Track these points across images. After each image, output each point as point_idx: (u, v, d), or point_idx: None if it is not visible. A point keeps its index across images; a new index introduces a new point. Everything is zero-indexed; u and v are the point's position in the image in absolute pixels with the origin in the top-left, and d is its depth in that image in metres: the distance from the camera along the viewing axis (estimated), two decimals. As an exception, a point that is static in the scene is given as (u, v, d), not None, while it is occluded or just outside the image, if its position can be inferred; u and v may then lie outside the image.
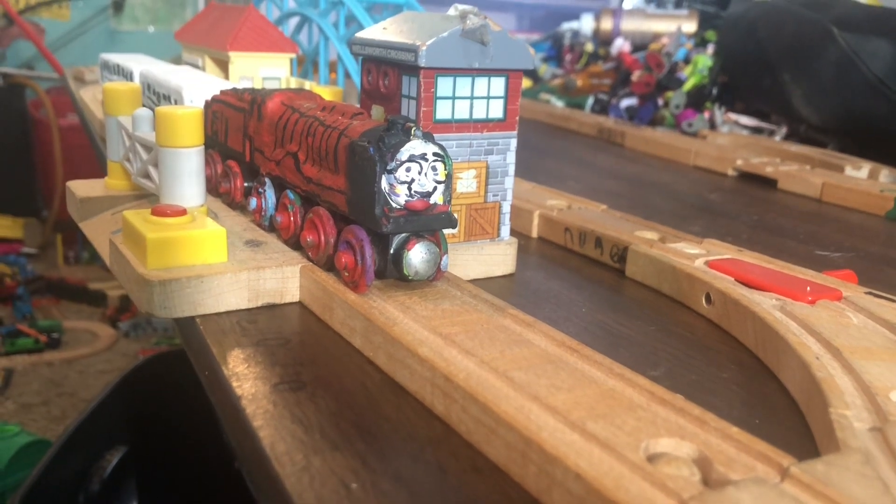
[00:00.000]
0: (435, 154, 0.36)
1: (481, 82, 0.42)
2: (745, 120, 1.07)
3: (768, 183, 0.80)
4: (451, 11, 0.42)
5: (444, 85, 0.41)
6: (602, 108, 1.22)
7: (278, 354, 0.34)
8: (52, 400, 1.60)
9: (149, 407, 1.12)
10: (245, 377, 0.32)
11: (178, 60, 0.85)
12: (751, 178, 0.82)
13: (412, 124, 0.35)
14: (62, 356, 1.77)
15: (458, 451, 0.27)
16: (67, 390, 1.65)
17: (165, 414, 1.09)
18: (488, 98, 0.43)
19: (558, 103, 1.29)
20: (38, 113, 2.50)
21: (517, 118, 0.44)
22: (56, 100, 2.42)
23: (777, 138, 1.03)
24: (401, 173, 0.35)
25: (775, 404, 0.33)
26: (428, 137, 0.36)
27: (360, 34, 0.44)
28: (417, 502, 0.24)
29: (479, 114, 0.43)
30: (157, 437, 1.10)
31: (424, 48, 0.39)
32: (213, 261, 0.38)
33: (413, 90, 0.41)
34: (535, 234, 0.55)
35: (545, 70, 1.45)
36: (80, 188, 0.52)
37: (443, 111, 0.42)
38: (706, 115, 1.07)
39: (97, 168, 0.77)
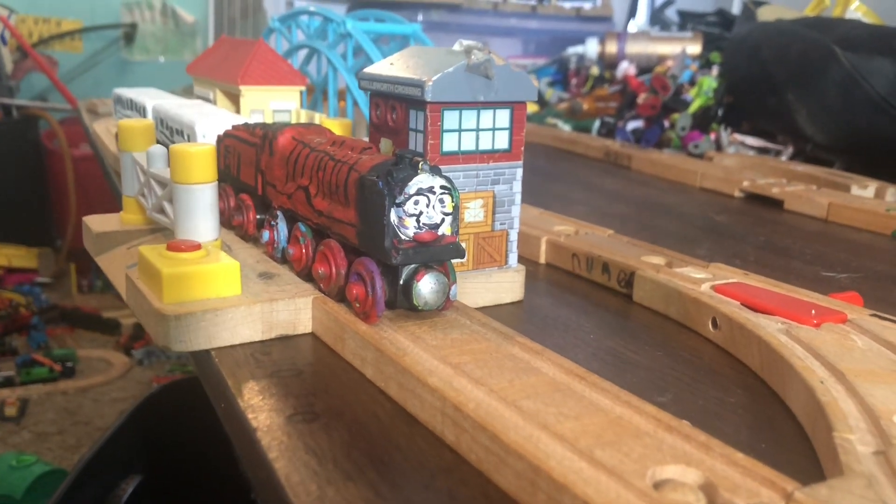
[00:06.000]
0: (442, 187, 0.37)
1: (486, 115, 0.43)
2: (751, 140, 1.07)
3: (775, 203, 0.80)
4: (456, 47, 0.43)
5: (450, 118, 0.42)
6: (608, 131, 1.23)
7: (292, 385, 0.35)
8: (67, 429, 1.61)
9: (163, 435, 1.13)
10: (260, 409, 0.32)
11: (189, 90, 0.87)
12: (757, 199, 0.83)
13: (420, 158, 0.36)
14: (77, 385, 1.78)
15: (469, 480, 0.28)
16: (82, 419, 1.66)
17: (180, 442, 1.10)
18: (494, 130, 0.44)
19: (565, 127, 1.30)
20: (51, 144, 2.53)
21: (522, 148, 0.45)
22: (69, 130, 2.45)
23: (783, 158, 1.04)
24: (409, 206, 0.36)
25: (781, 428, 0.33)
26: (435, 171, 0.37)
27: (368, 69, 0.45)
28: (430, 531, 0.25)
29: (484, 145, 0.44)
30: (172, 466, 1.10)
31: (431, 83, 0.40)
32: (228, 294, 0.39)
33: (420, 124, 0.42)
34: (543, 260, 0.56)
35: (551, 94, 1.47)
36: (96, 223, 0.53)
37: (449, 143, 0.43)
38: (712, 136, 1.08)
39: (110, 198, 0.78)
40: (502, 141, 0.44)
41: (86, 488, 1.03)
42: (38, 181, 2.54)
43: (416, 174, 0.36)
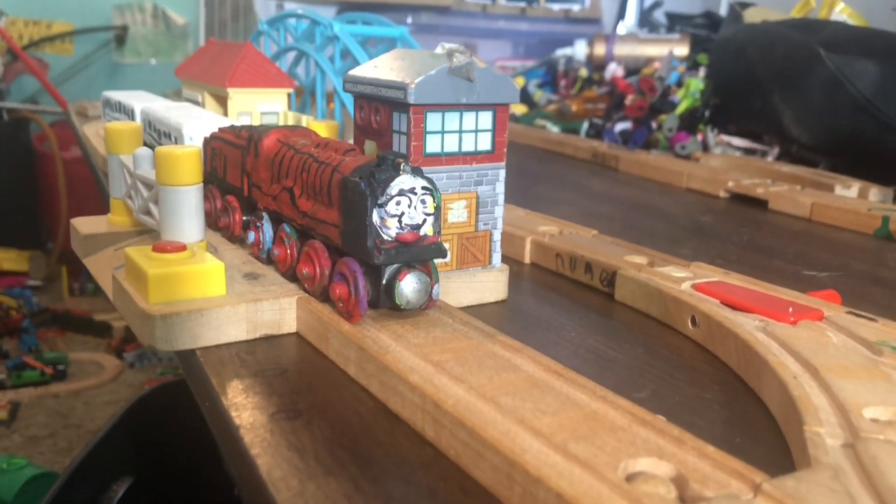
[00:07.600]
0: (424, 188, 0.37)
1: (469, 117, 0.44)
2: (737, 141, 1.08)
3: (759, 204, 0.81)
4: (439, 50, 0.44)
5: (433, 120, 0.43)
6: (597, 133, 1.24)
7: (275, 384, 0.35)
8: (58, 432, 1.61)
9: (154, 437, 1.13)
10: (243, 407, 0.33)
11: (179, 93, 0.87)
12: (742, 200, 0.84)
13: (402, 160, 0.37)
14: (68, 388, 1.78)
15: (448, 474, 0.28)
16: (74, 422, 1.65)
17: (171, 444, 1.10)
18: (476, 131, 0.44)
19: (553, 128, 1.31)
20: (42, 146, 2.53)
21: (505, 150, 0.46)
22: (60, 133, 2.45)
23: (769, 159, 1.04)
24: (391, 207, 0.36)
25: (756, 423, 0.34)
26: (417, 172, 0.37)
27: (353, 72, 0.46)
28: (408, 524, 0.26)
29: (467, 147, 0.44)
30: (163, 467, 1.10)
31: (413, 86, 0.41)
32: (213, 294, 0.39)
33: (403, 126, 0.43)
34: (527, 259, 0.57)
35: (540, 96, 1.47)
36: (84, 225, 0.53)
37: (432, 145, 0.43)
38: (699, 137, 1.08)
39: (100, 200, 0.78)
40: (485, 143, 0.45)
41: (77, 490, 1.03)
42: (29, 184, 2.54)
43: (398, 175, 0.37)
